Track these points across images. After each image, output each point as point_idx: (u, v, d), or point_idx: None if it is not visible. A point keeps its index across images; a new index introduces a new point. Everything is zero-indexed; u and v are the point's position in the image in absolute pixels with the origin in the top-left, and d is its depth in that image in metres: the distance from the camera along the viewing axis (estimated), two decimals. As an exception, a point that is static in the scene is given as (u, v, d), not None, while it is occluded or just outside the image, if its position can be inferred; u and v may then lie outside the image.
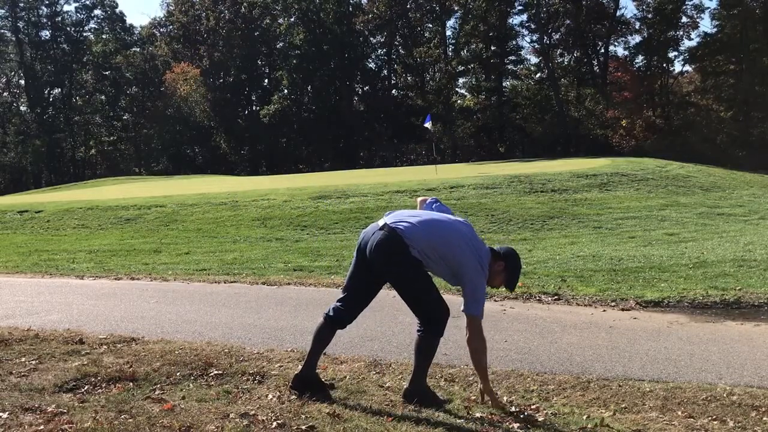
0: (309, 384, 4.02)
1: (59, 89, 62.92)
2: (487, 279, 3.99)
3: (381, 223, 3.97)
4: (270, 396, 3.99)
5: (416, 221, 3.94)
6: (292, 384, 4.06)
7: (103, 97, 63.51)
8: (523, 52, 55.47)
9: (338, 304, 4.07)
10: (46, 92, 63.10)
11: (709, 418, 3.77)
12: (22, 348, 5.08)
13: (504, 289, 4.22)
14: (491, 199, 17.00)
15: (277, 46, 58.62)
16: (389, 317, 6.35)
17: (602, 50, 52.46)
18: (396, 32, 56.06)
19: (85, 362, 4.65)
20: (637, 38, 51.11)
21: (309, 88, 56.41)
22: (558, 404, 4.00)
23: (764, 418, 3.74)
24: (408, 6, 54.42)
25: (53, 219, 18.53)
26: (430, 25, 57.05)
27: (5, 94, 64.81)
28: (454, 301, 7.15)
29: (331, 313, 4.06)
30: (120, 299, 7.73)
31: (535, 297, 7.36)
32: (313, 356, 4.06)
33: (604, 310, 6.70)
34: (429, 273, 3.99)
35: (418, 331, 3.97)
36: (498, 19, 51.56)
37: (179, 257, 11.77)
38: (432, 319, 3.92)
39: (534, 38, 53.85)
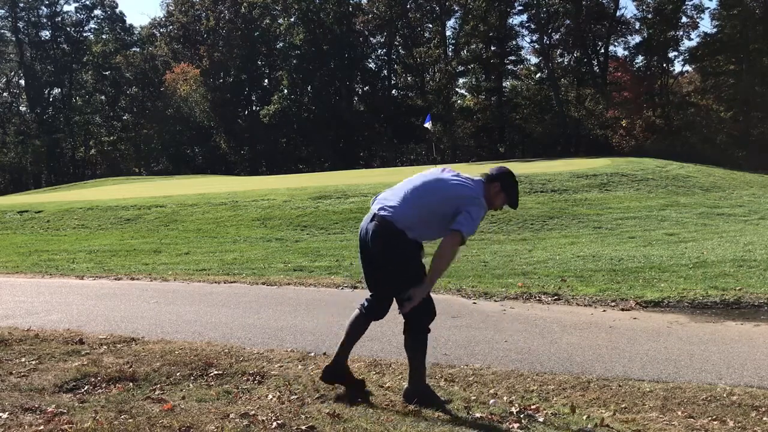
0: (340, 376, 3.99)
1: (59, 89, 62.99)
2: (486, 207, 3.93)
3: (371, 213, 3.94)
4: (270, 396, 3.98)
5: (400, 198, 3.88)
6: (322, 375, 4.02)
7: (103, 97, 63.52)
8: (523, 53, 55.61)
9: (370, 297, 4.07)
10: (46, 92, 63.16)
11: (709, 418, 3.77)
12: (22, 348, 5.08)
13: (509, 208, 4.11)
14: (491, 199, 16.97)
15: (277, 46, 58.58)
16: (389, 317, 6.29)
17: (602, 50, 52.44)
18: (396, 32, 56.04)
19: (85, 362, 4.65)
20: (637, 38, 51.23)
21: (309, 88, 56.37)
22: (558, 404, 3.99)
23: (764, 418, 3.74)
24: (408, 6, 54.40)
25: (53, 219, 18.53)
26: (430, 25, 57.08)
27: (5, 94, 64.88)
28: (450, 300, 7.18)
29: (365, 304, 4.06)
30: (120, 299, 7.73)
31: (535, 297, 7.35)
32: (345, 347, 4.03)
33: (604, 310, 6.70)
34: (422, 267, 3.90)
35: (405, 331, 3.95)
36: (498, 19, 51.56)
37: (179, 257, 11.77)
38: (418, 316, 3.88)
39: (534, 38, 53.93)
